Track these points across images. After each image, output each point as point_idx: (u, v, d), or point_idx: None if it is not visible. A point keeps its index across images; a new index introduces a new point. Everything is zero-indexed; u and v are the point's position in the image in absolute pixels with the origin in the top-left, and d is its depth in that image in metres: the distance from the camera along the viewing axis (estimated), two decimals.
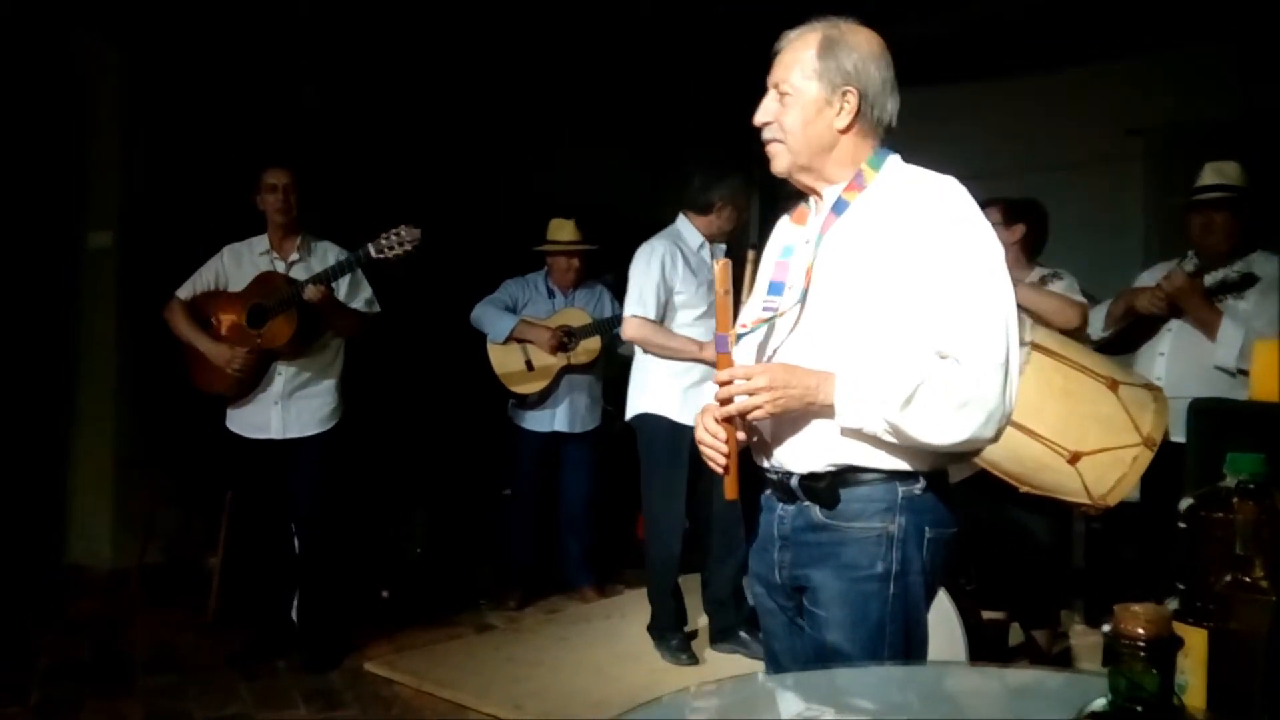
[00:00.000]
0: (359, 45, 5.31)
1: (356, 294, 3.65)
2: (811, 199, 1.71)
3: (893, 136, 1.68)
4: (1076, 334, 3.16)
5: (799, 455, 1.62)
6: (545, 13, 5.14)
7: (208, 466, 4.30)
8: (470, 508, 4.89)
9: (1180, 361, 3.11)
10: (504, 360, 4.46)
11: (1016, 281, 3.16)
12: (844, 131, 1.61)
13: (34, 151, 4.58)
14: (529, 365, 4.43)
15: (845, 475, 1.59)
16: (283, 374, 3.59)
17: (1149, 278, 3.30)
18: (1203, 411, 2.36)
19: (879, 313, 1.54)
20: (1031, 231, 3.38)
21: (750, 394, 1.54)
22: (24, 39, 4.47)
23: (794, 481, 1.63)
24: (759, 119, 1.67)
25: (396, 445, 5.04)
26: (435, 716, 3.22)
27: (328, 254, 3.71)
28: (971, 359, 1.50)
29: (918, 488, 1.58)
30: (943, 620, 2.94)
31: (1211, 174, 3.23)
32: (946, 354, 1.52)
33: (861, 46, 1.61)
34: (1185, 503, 1.25)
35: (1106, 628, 0.85)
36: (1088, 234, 5.44)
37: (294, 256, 3.66)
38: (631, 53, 5.61)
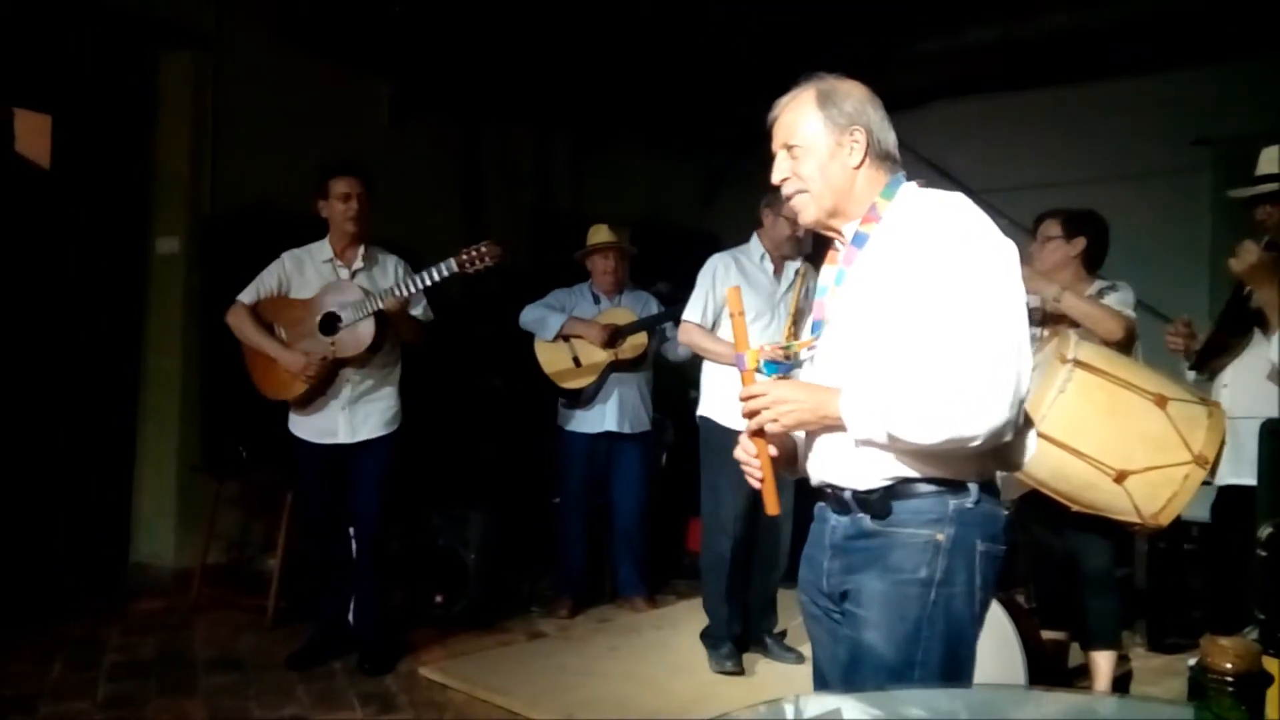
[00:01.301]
0: (428, 63, 5.41)
1: (417, 303, 3.70)
2: (836, 240, 1.80)
3: (900, 163, 1.75)
4: (1125, 348, 3.08)
5: (852, 473, 1.67)
6: (597, 27, 5.18)
7: (268, 469, 4.39)
8: (525, 514, 4.92)
9: (1244, 391, 2.92)
10: (552, 358, 4.50)
11: (1069, 291, 3.15)
12: (858, 168, 1.71)
13: (104, 158, 4.71)
14: (576, 362, 4.46)
15: (897, 488, 1.63)
16: (350, 380, 3.64)
17: None
18: (1276, 432, 2.29)
19: (893, 332, 1.61)
20: (1092, 244, 3.32)
21: (760, 410, 1.65)
22: (96, 48, 4.61)
23: (848, 495, 1.68)
24: (776, 178, 1.76)
25: (452, 451, 5.10)
26: None
27: (387, 262, 3.77)
28: (968, 361, 1.53)
29: (969, 500, 1.62)
30: (1002, 641, 2.90)
31: (1268, 162, 3.03)
32: (947, 360, 1.55)
33: (854, 92, 1.72)
34: (1265, 530, 1.22)
35: (1192, 661, 0.84)
36: (1153, 246, 5.33)
37: (358, 264, 3.70)
38: (683, 64, 5.63)
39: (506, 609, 4.46)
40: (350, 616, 3.84)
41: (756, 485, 1.71)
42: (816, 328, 1.79)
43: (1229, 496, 2.90)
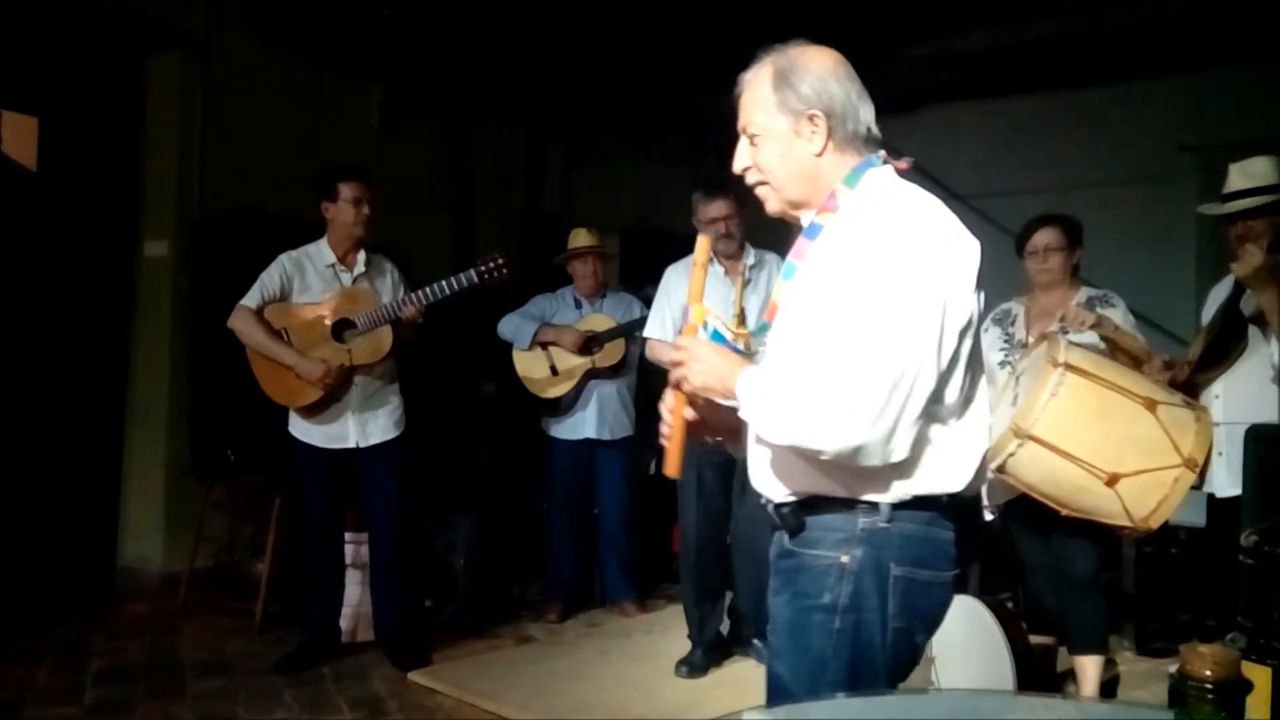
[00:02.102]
0: (418, 65, 5.40)
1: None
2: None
3: (877, 145, 1.62)
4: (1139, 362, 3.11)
5: (770, 483, 1.60)
6: (587, 28, 5.18)
7: (257, 473, 4.38)
8: (515, 520, 4.92)
9: (1239, 401, 2.92)
10: (529, 366, 4.50)
11: (1080, 309, 3.17)
12: (820, 154, 1.57)
13: (92, 160, 4.69)
14: (553, 369, 4.46)
15: (810, 503, 1.55)
16: (359, 385, 3.66)
17: (1222, 291, 3.07)
18: (1262, 439, 2.30)
19: (807, 327, 1.52)
20: (1082, 252, 3.35)
21: (679, 364, 1.56)
22: (84, 49, 4.59)
23: (770, 507, 1.62)
24: (736, 166, 1.65)
25: (443, 457, 5.09)
26: None
27: (383, 266, 3.78)
28: (835, 368, 1.41)
29: (880, 520, 1.49)
30: (990, 646, 2.91)
31: (1238, 177, 3.00)
32: (819, 363, 1.44)
33: (814, 67, 1.56)
34: (1248, 537, 1.23)
35: (1173, 668, 0.84)
36: (1139, 251, 5.36)
37: (359, 270, 3.72)
38: (674, 67, 5.64)
39: (496, 614, 4.45)
40: (341, 621, 3.87)
41: (664, 441, 1.62)
42: (764, 328, 1.68)
43: (1228, 507, 2.87)
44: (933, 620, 1.57)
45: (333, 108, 5.27)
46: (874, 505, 1.49)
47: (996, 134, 6.16)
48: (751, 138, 1.61)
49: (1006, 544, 3.53)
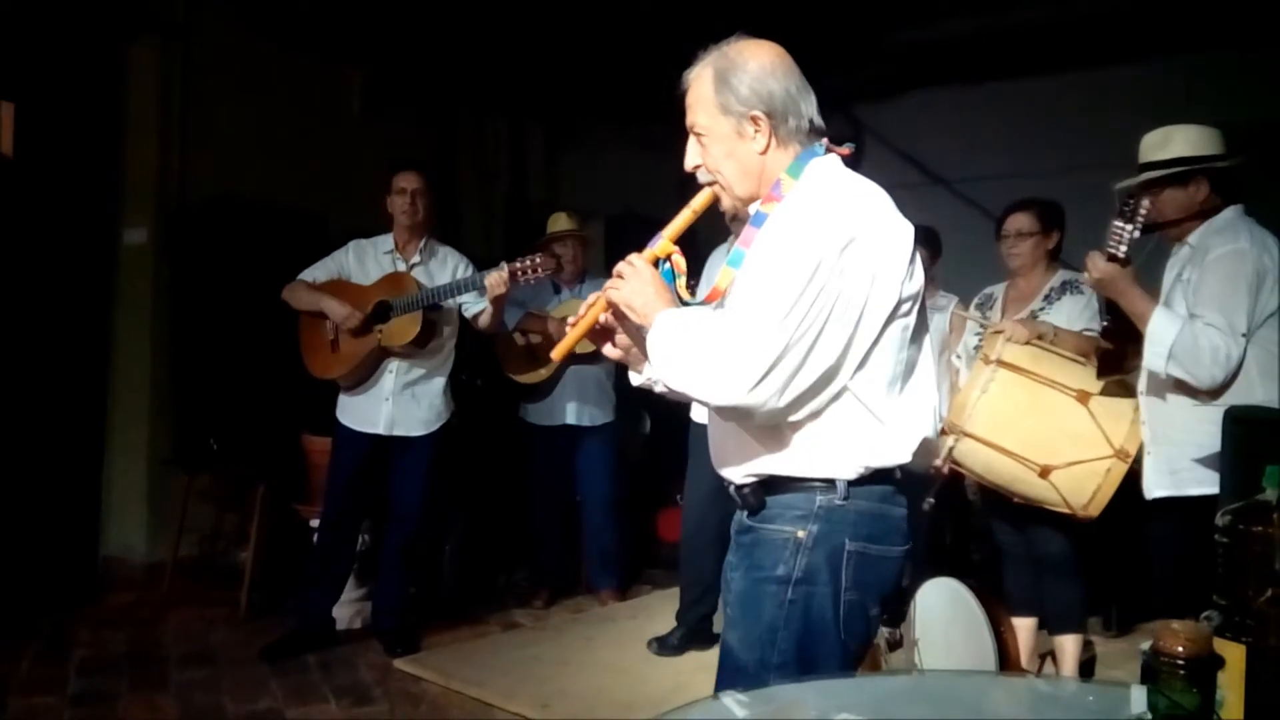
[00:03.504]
0: (400, 52, 5.36)
1: (473, 303, 3.75)
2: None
3: (819, 134, 1.64)
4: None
5: (731, 467, 1.65)
6: (571, 15, 5.15)
7: (240, 462, 4.36)
8: (500, 508, 4.92)
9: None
10: (509, 353, 4.50)
11: (1040, 289, 3.18)
12: (764, 152, 1.60)
13: (70, 147, 4.63)
14: (533, 356, 4.45)
15: (770, 483, 1.60)
16: (394, 371, 3.71)
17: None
18: (1240, 421, 2.32)
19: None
20: (1061, 236, 3.36)
21: (620, 275, 1.61)
22: (61, 35, 4.53)
23: (732, 489, 1.66)
24: (687, 165, 1.68)
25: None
26: (463, 715, 3.25)
27: (447, 259, 3.85)
28: (734, 324, 1.46)
29: (837, 498, 1.54)
30: (973, 628, 2.94)
31: (1147, 147, 2.80)
32: (724, 316, 1.52)
33: (751, 66, 1.58)
34: (1223, 516, 1.25)
35: (1146, 645, 0.85)
36: None
37: (415, 259, 3.78)
38: (659, 54, 5.61)
39: (481, 601, 4.46)
40: (334, 610, 3.90)
41: (567, 326, 1.70)
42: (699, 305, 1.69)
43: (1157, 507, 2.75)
44: (884, 592, 1.61)
45: (314, 96, 5.23)
46: (831, 484, 1.54)
47: (980, 119, 6.15)
48: (698, 136, 1.64)
49: (985, 529, 3.56)
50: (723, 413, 1.53)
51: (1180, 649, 0.85)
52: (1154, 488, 2.68)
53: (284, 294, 3.75)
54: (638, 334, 1.66)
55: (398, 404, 3.71)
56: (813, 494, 1.55)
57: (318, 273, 3.78)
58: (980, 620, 2.94)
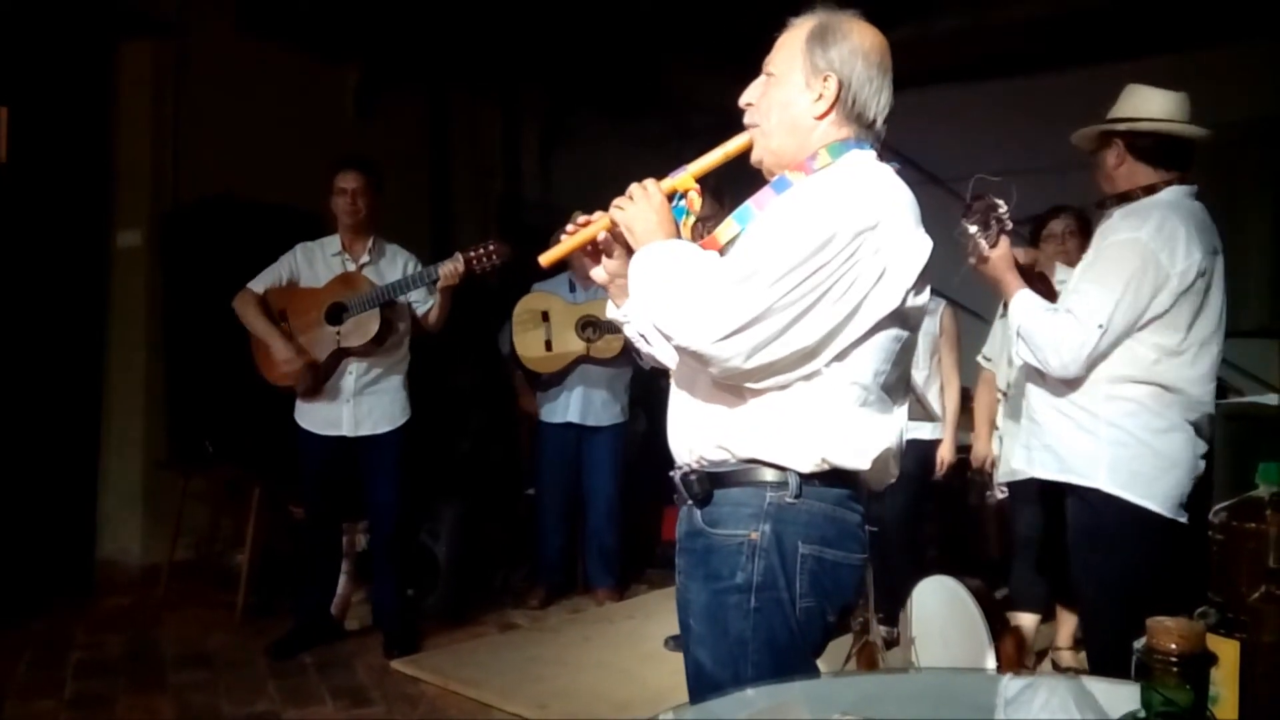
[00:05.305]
0: (394, 50, 5.35)
1: (421, 300, 3.75)
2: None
3: (881, 142, 1.62)
4: None
5: (683, 443, 1.59)
6: (567, 11, 5.15)
7: (235, 463, 4.35)
8: (498, 507, 4.91)
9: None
10: (526, 338, 4.50)
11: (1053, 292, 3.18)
12: (820, 118, 1.56)
13: (63, 149, 4.62)
14: (548, 345, 4.46)
15: (719, 476, 1.52)
16: (353, 372, 3.67)
17: None
18: (1233, 417, 2.33)
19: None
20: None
21: (629, 195, 1.57)
22: (53, 37, 4.52)
23: (678, 476, 1.58)
24: (743, 99, 1.64)
25: (424, 445, 5.08)
26: (460, 715, 3.24)
27: (396, 257, 3.82)
28: (723, 270, 1.42)
29: (788, 495, 1.47)
30: (969, 627, 2.94)
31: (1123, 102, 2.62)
32: (715, 260, 1.49)
33: (852, 38, 1.55)
34: (1217, 513, 1.25)
35: (1139, 642, 0.85)
36: None
37: (364, 258, 3.75)
38: (655, 51, 5.61)
39: (478, 601, 4.45)
40: (332, 609, 3.90)
41: (564, 234, 1.67)
42: None
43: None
44: (844, 600, 1.55)
45: (308, 96, 5.23)
46: (784, 481, 1.47)
47: (975, 117, 6.17)
48: (769, 77, 1.60)
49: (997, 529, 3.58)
50: (683, 355, 1.46)
51: (1174, 646, 0.85)
52: (1026, 466, 2.47)
53: (234, 304, 3.65)
54: (629, 262, 1.59)
55: (359, 404, 3.68)
56: (763, 490, 1.48)
57: (267, 279, 3.69)
58: (977, 618, 2.94)
